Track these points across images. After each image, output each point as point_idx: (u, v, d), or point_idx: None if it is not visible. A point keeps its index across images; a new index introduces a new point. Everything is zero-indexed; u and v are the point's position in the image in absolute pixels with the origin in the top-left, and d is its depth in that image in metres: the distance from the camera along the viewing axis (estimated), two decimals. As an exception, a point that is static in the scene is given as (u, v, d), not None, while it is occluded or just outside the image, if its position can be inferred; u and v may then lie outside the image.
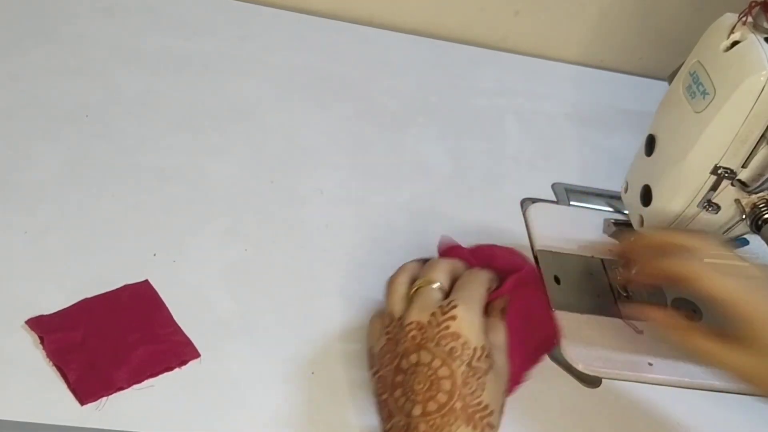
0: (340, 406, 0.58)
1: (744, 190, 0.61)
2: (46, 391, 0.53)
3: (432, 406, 0.49)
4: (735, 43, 0.59)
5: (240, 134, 0.78)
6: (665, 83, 0.68)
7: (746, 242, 0.68)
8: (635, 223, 0.67)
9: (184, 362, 0.57)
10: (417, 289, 0.55)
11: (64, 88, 0.77)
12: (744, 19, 0.59)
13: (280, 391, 0.58)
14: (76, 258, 0.62)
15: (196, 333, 0.59)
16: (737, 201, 0.63)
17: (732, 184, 0.61)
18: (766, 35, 0.58)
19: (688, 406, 0.65)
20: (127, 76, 0.80)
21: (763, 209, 0.62)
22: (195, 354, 0.58)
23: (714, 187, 0.62)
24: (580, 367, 0.64)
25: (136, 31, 0.86)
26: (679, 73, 0.65)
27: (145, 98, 0.79)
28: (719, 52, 0.60)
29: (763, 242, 0.62)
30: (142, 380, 0.55)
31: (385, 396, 0.53)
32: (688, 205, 0.63)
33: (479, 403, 0.50)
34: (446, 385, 0.50)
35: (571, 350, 0.65)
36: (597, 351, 0.65)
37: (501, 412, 0.52)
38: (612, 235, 0.72)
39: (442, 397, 0.49)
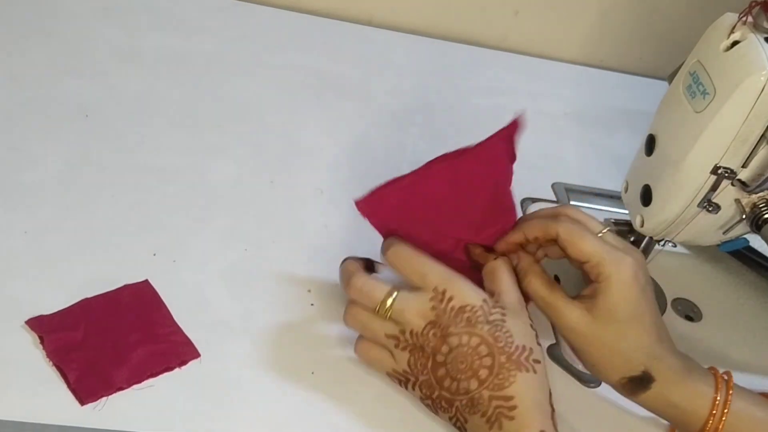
0: (340, 406, 0.58)
1: (744, 190, 0.61)
2: (46, 391, 0.53)
3: (483, 373, 0.52)
4: (735, 43, 0.59)
5: (240, 134, 0.78)
6: (665, 83, 0.68)
7: (746, 242, 0.68)
8: (635, 223, 0.67)
9: (184, 362, 0.57)
10: (389, 313, 0.55)
11: (64, 88, 0.77)
12: (744, 18, 0.59)
13: (280, 391, 0.58)
14: (76, 258, 0.62)
15: (196, 333, 0.59)
16: (737, 201, 0.62)
17: (732, 184, 0.61)
18: (766, 35, 0.58)
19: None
20: (127, 76, 0.80)
21: (763, 209, 0.62)
22: (195, 354, 0.58)
23: (714, 187, 0.61)
24: (580, 367, 0.64)
25: (136, 30, 0.86)
26: (679, 72, 0.64)
27: (145, 98, 0.79)
28: (719, 52, 0.60)
29: (763, 242, 0.62)
30: (142, 380, 0.55)
31: (435, 393, 0.54)
32: (688, 205, 0.63)
33: (518, 347, 0.53)
34: (483, 350, 0.53)
35: (571, 350, 0.65)
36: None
37: (538, 344, 0.55)
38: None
39: (487, 361, 0.52)
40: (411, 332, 0.55)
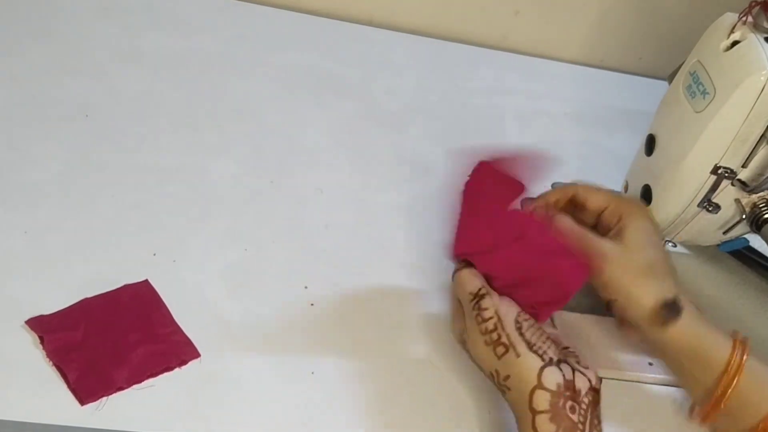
0: (340, 406, 0.58)
1: (744, 190, 0.61)
2: (46, 391, 0.53)
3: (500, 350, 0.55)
4: (735, 43, 0.59)
5: (240, 134, 0.78)
6: (665, 83, 0.68)
7: (746, 242, 0.68)
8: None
9: (184, 362, 0.57)
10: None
11: (64, 88, 0.77)
12: (744, 18, 0.59)
13: (280, 391, 0.58)
14: (76, 258, 0.62)
15: (196, 333, 0.59)
16: (737, 200, 0.63)
17: (732, 184, 0.61)
18: (766, 35, 0.58)
19: (688, 406, 0.65)
20: (127, 75, 0.81)
21: (763, 209, 0.62)
22: (195, 354, 0.58)
23: (714, 187, 0.62)
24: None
25: (136, 30, 0.86)
26: (679, 72, 0.65)
27: (145, 98, 0.79)
28: (719, 52, 0.60)
29: (763, 242, 0.62)
30: (142, 380, 0.55)
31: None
32: (688, 205, 0.63)
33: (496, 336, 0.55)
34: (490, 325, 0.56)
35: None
36: (597, 351, 0.65)
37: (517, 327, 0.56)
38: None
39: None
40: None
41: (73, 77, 0.78)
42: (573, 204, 0.64)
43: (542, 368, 0.53)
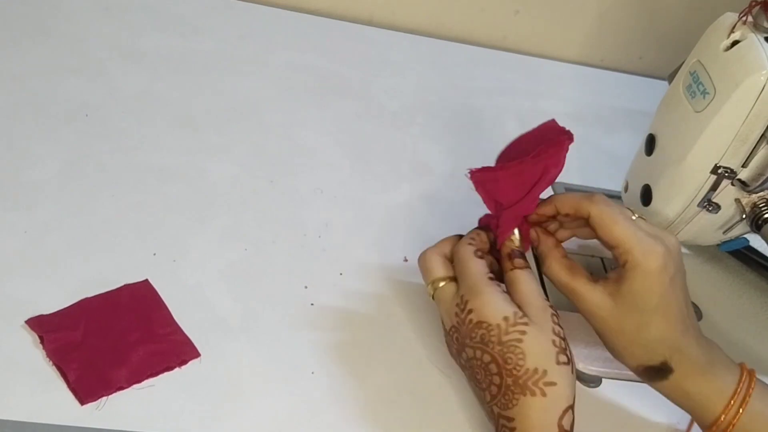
0: (340, 406, 0.58)
1: (744, 190, 0.61)
2: (46, 391, 0.53)
3: (493, 389, 0.53)
4: (735, 43, 0.59)
5: (240, 134, 0.78)
6: (665, 82, 0.68)
7: (746, 242, 0.68)
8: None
9: (184, 362, 0.57)
10: (433, 297, 0.57)
11: (64, 87, 0.77)
12: (744, 18, 0.59)
13: (280, 391, 0.58)
14: (76, 258, 0.62)
15: (196, 333, 0.59)
16: (737, 200, 0.63)
17: (732, 184, 0.61)
18: (766, 35, 0.58)
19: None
20: (127, 75, 0.81)
21: (763, 208, 0.62)
22: (195, 354, 0.58)
23: (714, 187, 0.62)
24: (580, 367, 0.64)
25: (135, 30, 0.87)
26: (679, 72, 0.65)
27: (145, 98, 0.79)
28: (719, 52, 0.60)
29: (763, 241, 0.62)
30: (142, 380, 0.55)
31: (472, 384, 0.56)
32: (688, 205, 0.63)
33: (527, 371, 0.52)
34: (494, 368, 0.53)
35: (571, 350, 0.65)
36: (597, 351, 0.65)
37: (565, 356, 0.53)
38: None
39: (496, 380, 0.52)
40: (442, 323, 0.57)
41: (73, 77, 0.78)
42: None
43: None
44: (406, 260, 0.69)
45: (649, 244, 0.54)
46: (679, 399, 0.56)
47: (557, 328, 0.54)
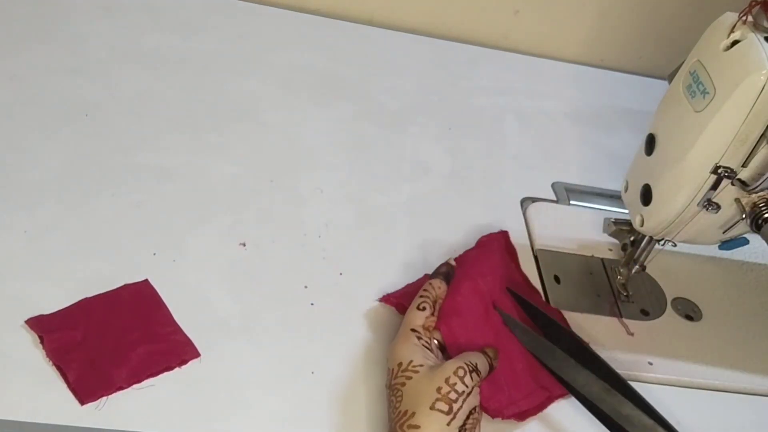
0: (340, 406, 0.58)
1: (744, 190, 0.61)
2: (46, 391, 0.53)
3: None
4: (735, 43, 0.59)
5: (240, 134, 0.78)
6: (665, 82, 0.68)
7: (746, 241, 0.68)
8: (635, 223, 0.67)
9: (184, 362, 0.57)
10: None
11: (64, 87, 0.77)
12: (744, 18, 0.59)
13: (280, 391, 0.58)
14: (76, 258, 0.62)
15: (196, 333, 0.59)
16: (737, 200, 0.62)
17: (732, 184, 0.61)
18: (766, 34, 0.58)
19: (688, 406, 0.65)
20: (127, 75, 0.81)
21: (763, 208, 0.62)
22: (195, 353, 0.58)
23: (714, 187, 0.61)
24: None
25: (135, 30, 0.87)
26: (679, 72, 0.64)
27: (145, 97, 0.79)
28: (719, 52, 0.60)
29: (763, 242, 0.62)
30: (142, 380, 0.55)
31: None
32: (688, 205, 0.63)
33: (399, 413, 0.53)
34: (389, 405, 0.55)
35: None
36: (597, 351, 0.65)
37: (433, 407, 0.52)
38: (612, 235, 0.72)
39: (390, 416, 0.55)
40: None
41: (73, 76, 0.78)
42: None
43: None
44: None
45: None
46: None
47: (456, 381, 0.53)
